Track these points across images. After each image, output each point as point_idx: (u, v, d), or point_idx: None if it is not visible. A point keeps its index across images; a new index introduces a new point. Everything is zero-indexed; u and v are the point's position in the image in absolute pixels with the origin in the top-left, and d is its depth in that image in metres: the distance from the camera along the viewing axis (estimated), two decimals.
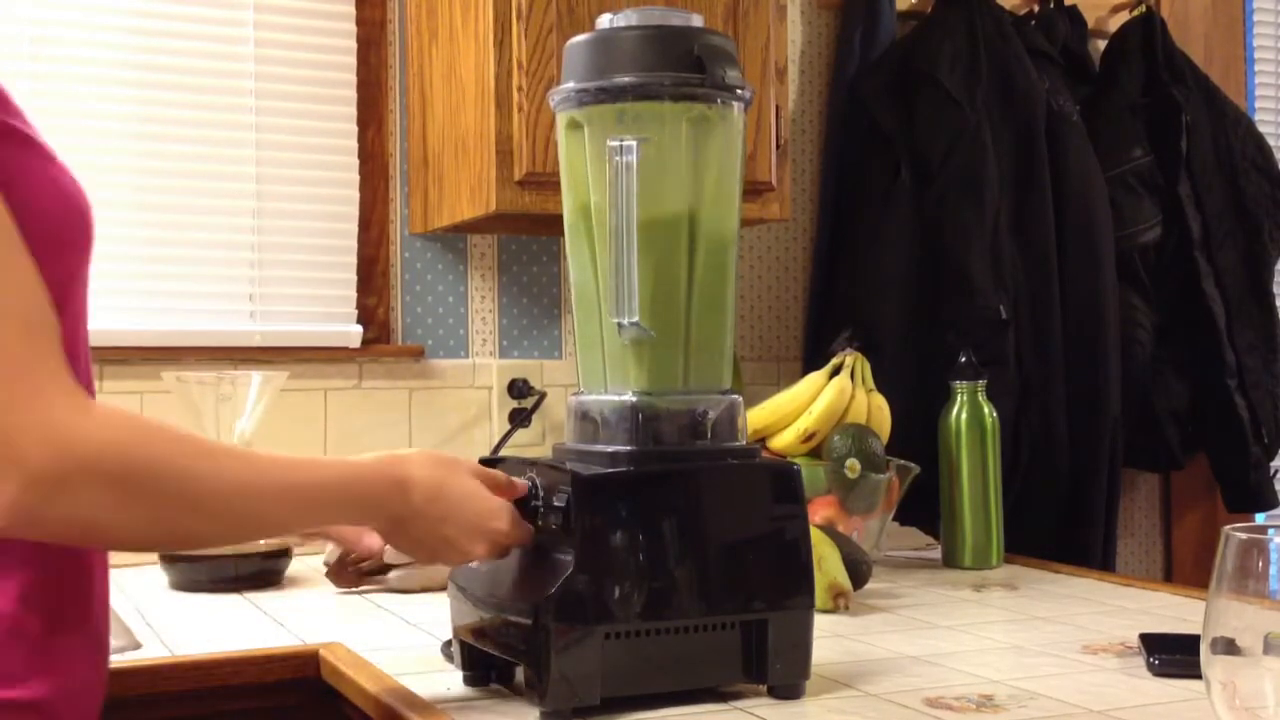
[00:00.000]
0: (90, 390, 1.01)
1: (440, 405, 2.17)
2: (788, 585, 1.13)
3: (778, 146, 2.03)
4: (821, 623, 1.24)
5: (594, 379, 1.18)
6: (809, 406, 1.82)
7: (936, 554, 1.97)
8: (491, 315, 2.22)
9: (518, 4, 1.85)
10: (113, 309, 1.96)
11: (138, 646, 1.38)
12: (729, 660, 1.12)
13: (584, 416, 1.17)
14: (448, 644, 1.26)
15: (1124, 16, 2.63)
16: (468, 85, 1.94)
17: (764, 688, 1.14)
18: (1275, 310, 2.58)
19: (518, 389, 2.17)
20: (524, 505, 1.13)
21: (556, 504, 1.08)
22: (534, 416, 2.17)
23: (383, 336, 2.16)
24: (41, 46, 1.94)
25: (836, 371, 1.85)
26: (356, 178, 2.14)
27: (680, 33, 1.14)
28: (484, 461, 1.18)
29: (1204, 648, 0.75)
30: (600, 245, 1.15)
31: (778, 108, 2.03)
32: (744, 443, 1.18)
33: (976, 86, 2.25)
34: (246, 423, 1.78)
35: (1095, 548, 2.30)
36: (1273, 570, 0.72)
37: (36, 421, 0.84)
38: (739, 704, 1.12)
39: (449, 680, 1.21)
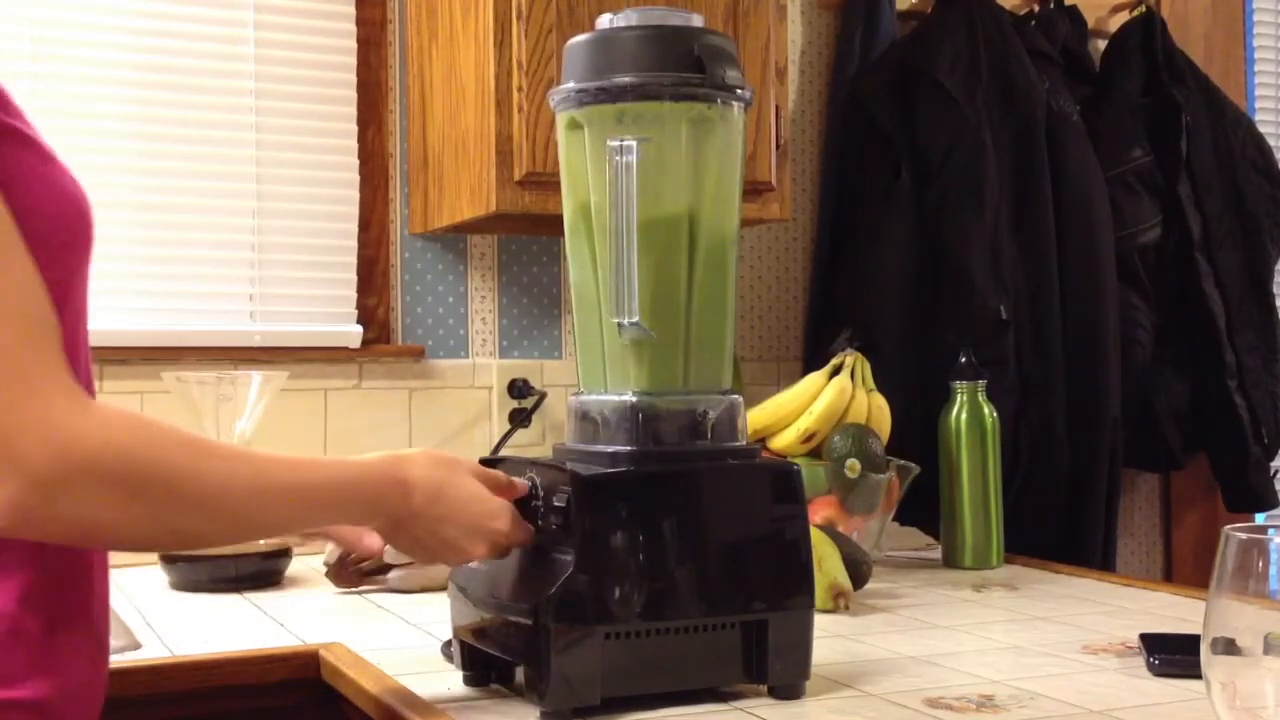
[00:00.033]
0: (90, 390, 1.01)
1: (440, 405, 2.17)
2: (788, 585, 1.13)
3: (778, 146, 2.03)
4: (821, 623, 1.24)
5: (594, 379, 1.18)
6: (809, 406, 1.82)
7: (936, 554, 1.97)
8: (491, 315, 2.22)
9: (518, 4, 1.85)
10: (113, 309, 1.96)
11: (138, 646, 1.38)
12: (729, 660, 1.12)
13: (584, 416, 1.17)
14: (448, 644, 1.26)
15: (1124, 16, 2.63)
16: (468, 85, 1.94)
17: (764, 688, 1.14)
18: (1275, 310, 2.58)
19: (518, 389, 2.17)
20: (524, 505, 1.13)
21: (557, 504, 1.08)
22: (534, 416, 2.17)
23: (383, 336, 2.16)
24: (41, 46, 1.94)
25: (836, 371, 1.85)
26: (356, 178, 2.14)
27: (680, 33, 1.14)
28: (484, 461, 1.18)
29: (1204, 648, 0.75)
30: (600, 245, 1.15)
31: (778, 108, 2.03)
32: (744, 443, 1.18)
33: (976, 86, 2.25)
34: (246, 423, 1.78)
35: (1095, 548, 2.30)
36: (1273, 570, 0.72)
37: (37, 422, 0.84)
38: (739, 704, 1.12)
39: (449, 680, 1.21)
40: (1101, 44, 2.63)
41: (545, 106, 1.80)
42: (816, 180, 2.44)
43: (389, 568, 1.69)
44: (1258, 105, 2.91)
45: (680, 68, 1.13)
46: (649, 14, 1.15)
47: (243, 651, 1.36)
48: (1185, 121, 2.48)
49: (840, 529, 1.69)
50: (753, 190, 1.98)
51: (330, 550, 1.72)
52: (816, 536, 1.47)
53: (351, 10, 2.14)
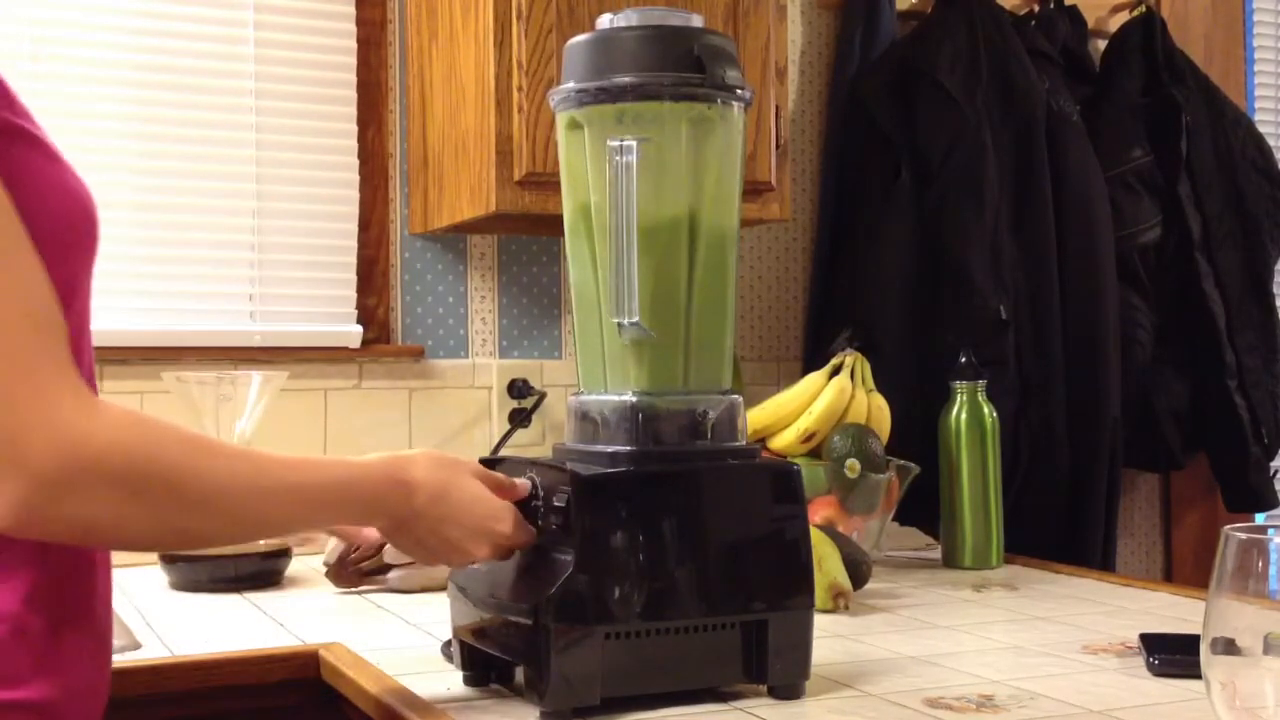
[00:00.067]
0: (93, 389, 1.01)
1: (440, 405, 2.17)
2: (788, 585, 1.13)
3: (778, 146, 2.03)
4: (821, 623, 1.24)
5: (594, 379, 1.18)
6: (809, 406, 1.82)
7: (936, 554, 1.97)
8: (491, 315, 2.22)
9: (518, 4, 1.85)
10: (113, 309, 1.96)
11: (138, 646, 1.38)
12: (729, 660, 1.12)
13: (584, 416, 1.17)
14: (448, 644, 1.26)
15: (1124, 16, 2.63)
16: (468, 85, 1.94)
17: (764, 688, 1.14)
18: (1275, 310, 2.58)
19: (518, 389, 2.17)
20: (524, 505, 1.13)
21: (557, 504, 1.08)
22: (534, 416, 2.17)
23: (383, 336, 2.16)
24: (41, 46, 1.94)
25: (836, 371, 1.85)
26: (356, 178, 2.14)
27: (680, 33, 1.14)
28: (484, 461, 1.18)
29: (1204, 648, 0.75)
30: (600, 245, 1.15)
31: (778, 108, 2.03)
32: (744, 443, 1.18)
33: (976, 86, 2.25)
34: (246, 423, 1.78)
35: (1095, 548, 2.30)
36: (1273, 570, 0.72)
37: (43, 421, 0.85)
38: (739, 704, 1.12)
39: (449, 680, 1.21)
40: (1101, 44, 2.63)
41: (545, 106, 1.80)
42: (816, 180, 2.44)
43: (389, 568, 1.69)
44: (1258, 105, 2.91)
45: (680, 68, 1.13)
46: (649, 14, 1.15)
47: (243, 651, 1.36)
48: (1185, 121, 2.48)
49: (840, 529, 1.69)
50: (753, 190, 1.98)
51: (330, 550, 1.72)
52: (816, 536, 1.47)
53: (351, 10, 2.14)
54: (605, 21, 1.17)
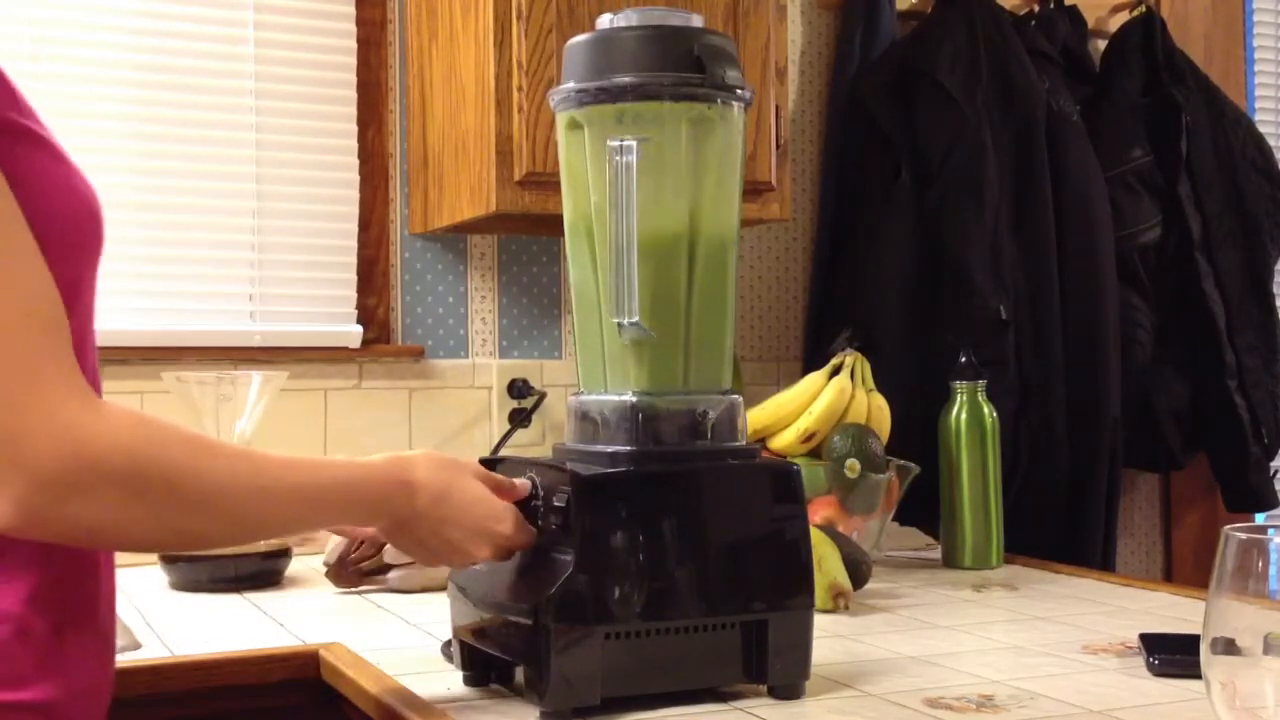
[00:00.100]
0: (98, 390, 1.01)
1: (440, 405, 2.17)
2: (788, 585, 1.13)
3: (778, 146, 2.03)
4: (821, 623, 1.24)
5: (594, 379, 1.18)
6: (809, 406, 1.82)
7: (936, 554, 1.97)
8: (491, 315, 2.22)
9: (518, 4, 1.85)
10: (113, 309, 1.96)
11: (138, 646, 1.38)
12: (729, 660, 1.12)
13: (584, 416, 1.17)
14: (448, 644, 1.26)
15: (1124, 16, 2.63)
16: (468, 85, 1.94)
17: (764, 688, 1.14)
18: (1275, 310, 2.58)
19: (518, 389, 2.17)
20: (524, 505, 1.13)
21: (557, 504, 1.08)
22: (534, 416, 2.17)
23: (383, 336, 2.16)
24: (41, 46, 1.94)
25: (836, 371, 1.85)
26: (356, 178, 2.14)
27: (680, 33, 1.14)
28: (484, 461, 1.18)
29: (1204, 648, 0.75)
30: (600, 245, 1.15)
31: (778, 108, 2.03)
32: (744, 443, 1.18)
33: (976, 86, 2.25)
34: (246, 423, 1.78)
35: (1095, 548, 2.30)
36: (1273, 570, 0.72)
37: (45, 422, 0.85)
38: (739, 704, 1.12)
39: (449, 680, 1.21)
40: (1101, 44, 2.63)
41: (545, 106, 1.80)
42: (816, 180, 2.44)
43: (389, 568, 1.69)
44: (1258, 105, 2.91)
45: (680, 68, 1.13)
46: (649, 14, 1.15)
47: (243, 651, 1.36)
48: (1185, 121, 2.48)
49: (840, 529, 1.69)
50: (753, 190, 1.98)
51: (330, 550, 1.72)
52: (816, 536, 1.47)
53: (351, 10, 2.14)
54: (605, 21, 1.17)
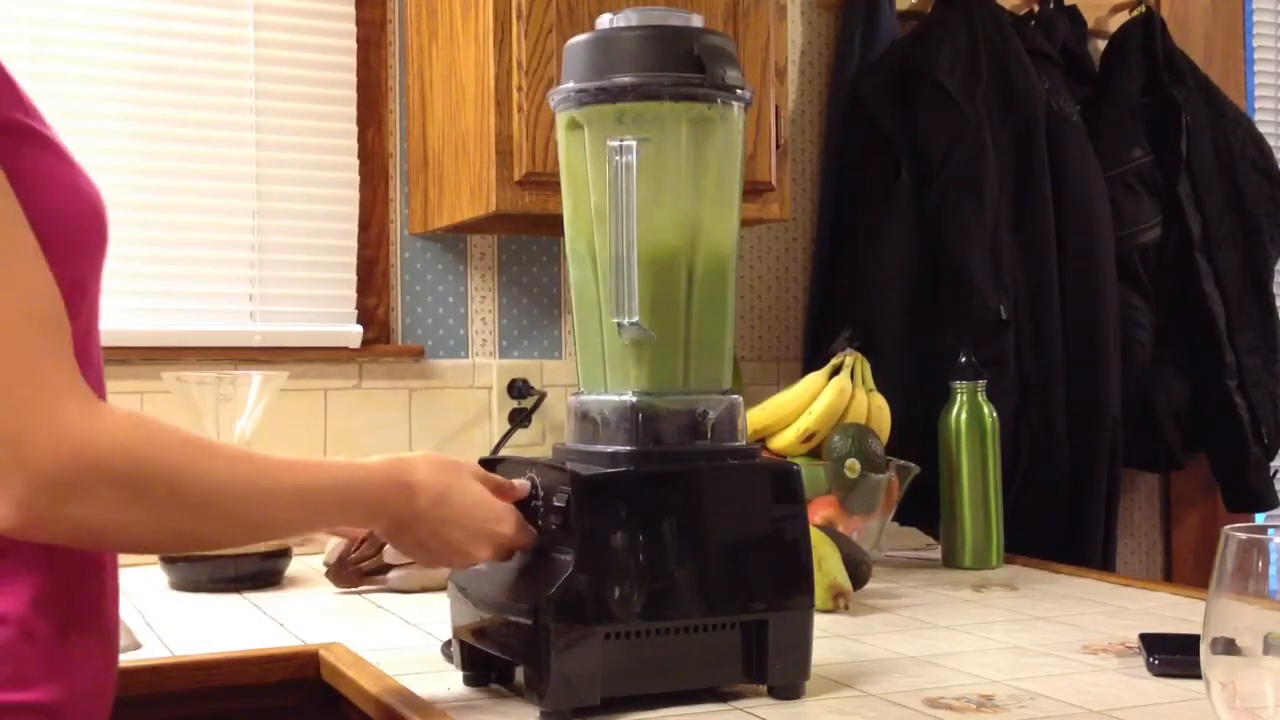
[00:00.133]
0: (102, 391, 1.01)
1: (440, 405, 2.17)
2: (788, 585, 1.13)
3: (778, 146, 2.03)
4: (821, 623, 1.24)
5: (594, 379, 1.18)
6: (809, 406, 1.82)
7: (936, 554, 1.97)
8: (491, 315, 2.22)
9: (518, 4, 1.85)
10: (113, 309, 1.94)
11: (138, 646, 1.38)
12: (729, 660, 1.12)
13: (584, 416, 1.17)
14: (448, 644, 1.26)
15: (1124, 16, 2.63)
16: (468, 85, 1.94)
17: (764, 688, 1.14)
18: (1275, 310, 2.58)
19: (518, 389, 2.17)
20: (524, 505, 1.13)
21: (557, 504, 1.08)
22: (534, 416, 2.17)
23: (383, 336, 2.16)
24: (41, 46, 1.94)
25: (836, 371, 1.85)
26: (356, 178, 2.14)
27: (680, 33, 1.14)
28: (484, 462, 1.18)
29: (1204, 648, 0.75)
30: (600, 245, 1.15)
31: (778, 108, 2.03)
32: (744, 443, 1.18)
33: (976, 86, 2.25)
34: (246, 423, 1.78)
35: (1095, 548, 2.30)
36: (1273, 570, 0.72)
37: (45, 423, 0.84)
38: (739, 704, 1.12)
39: (449, 680, 1.21)
40: (1101, 44, 2.63)
41: (545, 106, 1.80)
42: (816, 180, 2.44)
43: (389, 568, 1.69)
44: (1258, 105, 2.91)
45: (680, 68, 1.13)
46: (649, 14, 1.15)
47: (243, 651, 1.36)
48: (1185, 121, 2.48)
49: (840, 529, 1.69)
50: (753, 190, 1.98)
51: (330, 550, 1.72)
52: (816, 536, 1.47)
53: (351, 10, 2.14)
54: (605, 21, 1.17)
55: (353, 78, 2.14)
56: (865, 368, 1.87)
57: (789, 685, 1.14)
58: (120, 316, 1.97)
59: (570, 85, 1.16)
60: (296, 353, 2.07)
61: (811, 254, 2.43)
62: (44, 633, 0.93)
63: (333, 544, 1.71)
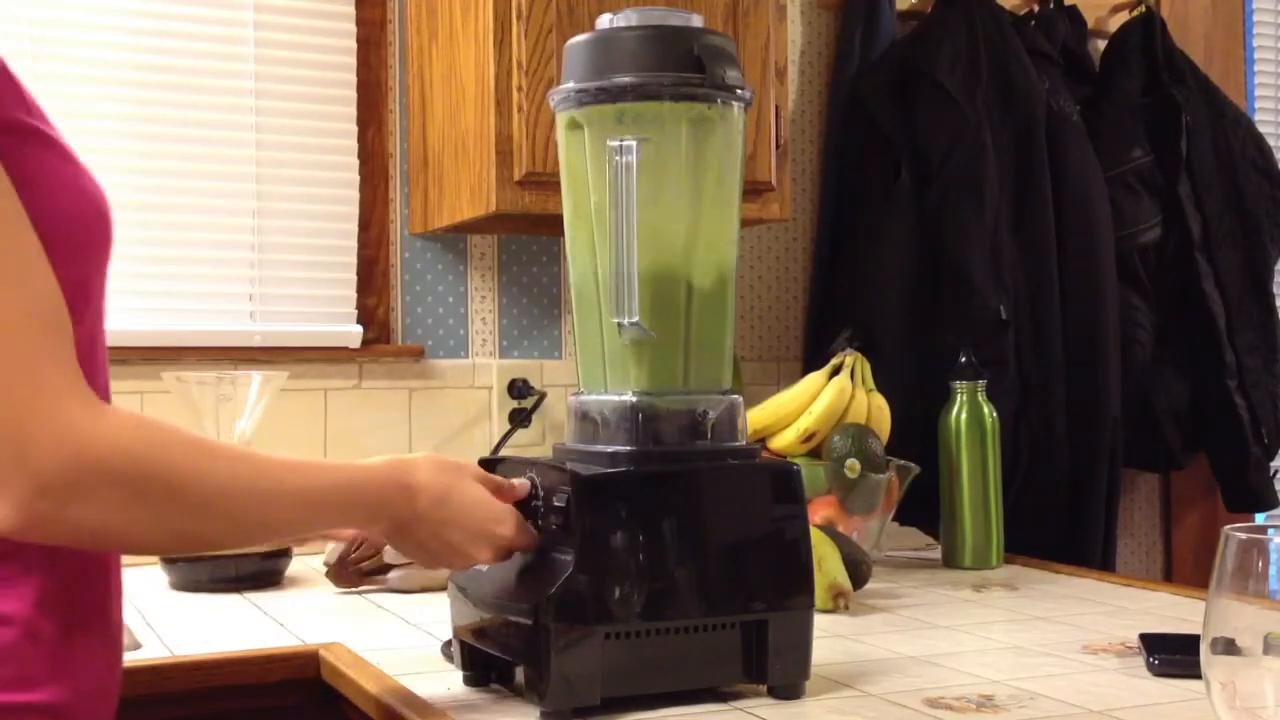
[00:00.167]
0: (107, 390, 1.01)
1: (440, 405, 2.17)
2: (788, 585, 1.13)
3: (778, 146, 2.03)
4: (821, 623, 1.24)
5: (594, 379, 1.18)
6: (809, 406, 1.82)
7: (936, 554, 1.97)
8: (491, 315, 2.22)
9: (518, 4, 1.85)
10: (113, 309, 1.92)
11: (138, 646, 1.38)
12: (729, 660, 1.12)
13: (584, 416, 1.17)
14: (448, 644, 1.26)
15: (1124, 16, 2.63)
16: (468, 85, 1.94)
17: (764, 688, 1.14)
18: (1275, 310, 2.58)
19: (518, 389, 2.17)
20: (524, 505, 1.13)
21: (557, 504, 1.08)
22: (534, 416, 2.17)
23: (383, 336, 2.16)
24: (41, 46, 1.94)
25: (836, 371, 1.85)
26: (356, 178, 2.14)
27: (680, 33, 1.14)
28: (483, 462, 1.18)
29: (1204, 648, 0.75)
30: (600, 245, 1.15)
31: (778, 108, 2.03)
32: (744, 443, 1.18)
33: (976, 86, 2.25)
34: (246, 423, 1.78)
35: (1095, 548, 2.30)
36: (1273, 570, 0.72)
37: (46, 424, 0.84)
38: (739, 704, 1.12)
39: (449, 680, 1.21)
40: (1101, 44, 2.63)
41: (545, 106, 1.80)
42: (816, 180, 2.44)
43: (389, 568, 1.69)
44: (1258, 105, 2.91)
45: (680, 68, 1.13)
46: (649, 14, 1.15)
47: (243, 651, 1.36)
48: (1185, 121, 2.48)
49: (840, 529, 1.69)
50: (753, 190, 1.98)
51: (330, 550, 1.72)
52: (816, 536, 1.47)
53: (351, 10, 2.14)
54: (605, 21, 1.17)
55: (353, 78, 2.14)
56: (865, 368, 1.87)
57: (789, 685, 1.14)
58: (120, 316, 1.97)
59: (570, 85, 1.16)
60: (296, 353, 2.07)
61: (811, 254, 2.43)
62: (48, 633, 0.93)
63: (332, 544, 1.71)
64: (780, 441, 1.82)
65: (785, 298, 2.44)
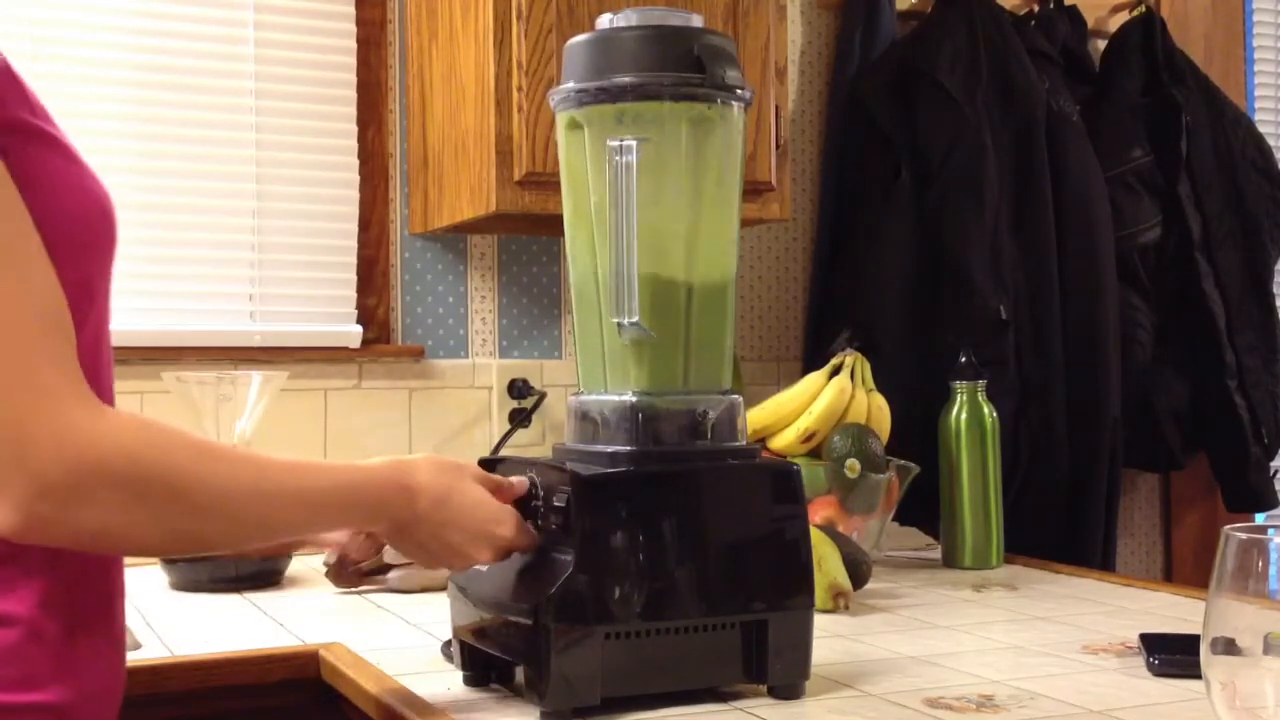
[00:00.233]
0: (112, 390, 1.01)
1: (440, 405, 2.17)
2: (788, 585, 1.13)
3: (778, 146, 2.03)
4: (821, 623, 1.24)
5: (594, 379, 1.18)
6: (809, 406, 1.82)
7: (936, 554, 1.97)
8: (491, 315, 2.22)
9: (518, 4, 1.85)
10: (113, 309, 1.95)
11: (138, 646, 1.38)
12: (729, 660, 1.12)
13: (584, 416, 1.17)
14: (448, 644, 1.26)
15: (1124, 16, 2.63)
16: (468, 85, 1.94)
17: (764, 688, 1.14)
18: (1275, 310, 2.58)
19: (518, 389, 2.17)
20: (524, 505, 1.13)
21: (556, 504, 1.08)
22: (534, 416, 2.17)
23: (383, 336, 2.16)
24: (41, 46, 1.94)
25: (836, 371, 1.85)
26: (356, 178, 2.14)
27: (680, 33, 1.14)
28: (483, 462, 1.18)
29: (1204, 648, 0.75)
30: (600, 245, 1.15)
31: (778, 108, 2.03)
32: (744, 443, 1.18)
33: (976, 86, 2.25)
34: (246, 423, 1.78)
35: (1095, 548, 2.30)
36: (1273, 570, 0.72)
37: (47, 426, 0.84)
38: (739, 704, 1.12)
39: (449, 680, 1.21)
40: (1101, 44, 2.63)
41: (545, 106, 1.80)
42: (816, 180, 2.44)
43: (389, 568, 1.69)
44: (1258, 105, 2.91)
45: (680, 68, 1.13)
46: (649, 14, 1.15)
47: (243, 651, 1.36)
48: (1185, 121, 2.48)
49: (840, 529, 1.69)
50: (753, 190, 1.98)
51: (330, 550, 1.72)
52: (816, 536, 1.47)
53: (351, 10, 2.14)
54: (605, 21, 1.17)
55: (353, 78, 2.15)
56: (865, 368, 1.87)
57: (789, 685, 1.14)
58: (120, 316, 1.94)
59: (570, 85, 1.16)
60: (296, 353, 2.07)
61: (811, 254, 2.43)
62: (52, 633, 0.93)
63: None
64: (780, 441, 1.82)
65: (785, 298, 2.44)
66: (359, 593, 1.70)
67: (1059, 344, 2.26)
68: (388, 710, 1.14)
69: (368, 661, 1.29)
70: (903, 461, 1.82)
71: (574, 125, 1.17)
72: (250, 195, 2.07)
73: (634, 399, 1.13)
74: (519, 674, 1.11)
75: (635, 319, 1.11)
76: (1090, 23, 2.61)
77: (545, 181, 1.85)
